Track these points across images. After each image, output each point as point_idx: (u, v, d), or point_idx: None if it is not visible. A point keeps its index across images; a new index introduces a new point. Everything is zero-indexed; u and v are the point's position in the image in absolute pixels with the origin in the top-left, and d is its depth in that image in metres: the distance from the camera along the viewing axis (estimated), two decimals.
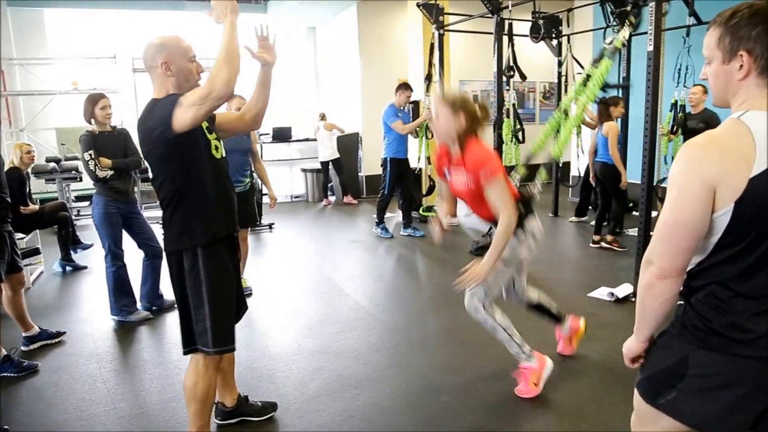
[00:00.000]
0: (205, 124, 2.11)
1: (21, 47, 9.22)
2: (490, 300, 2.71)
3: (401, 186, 6.53)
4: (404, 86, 6.22)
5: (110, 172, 3.78)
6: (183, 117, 1.91)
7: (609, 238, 5.70)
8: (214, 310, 2.10)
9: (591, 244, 5.80)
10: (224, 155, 2.23)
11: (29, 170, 5.10)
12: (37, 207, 5.21)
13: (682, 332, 1.36)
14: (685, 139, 5.15)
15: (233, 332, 2.24)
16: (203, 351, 2.15)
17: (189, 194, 2.07)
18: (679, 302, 1.38)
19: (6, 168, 4.05)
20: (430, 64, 6.61)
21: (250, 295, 4.55)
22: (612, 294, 4.19)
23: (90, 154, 3.72)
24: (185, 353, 2.22)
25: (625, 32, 3.86)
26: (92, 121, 3.79)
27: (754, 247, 1.24)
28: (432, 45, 6.55)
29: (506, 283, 2.83)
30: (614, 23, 5.47)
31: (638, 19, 4.52)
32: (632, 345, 1.48)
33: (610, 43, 4.26)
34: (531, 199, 2.83)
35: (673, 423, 1.38)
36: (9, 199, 3.17)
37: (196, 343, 2.16)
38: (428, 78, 6.65)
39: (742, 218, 1.21)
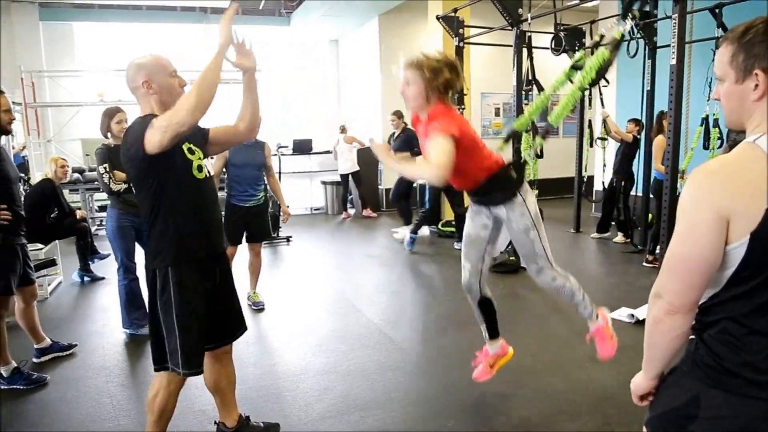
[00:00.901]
0: (186, 145, 2.09)
1: (50, 60, 9.46)
2: (554, 263, 2.61)
3: (435, 199, 6.74)
4: None
5: (124, 186, 3.79)
6: (152, 139, 1.92)
7: (650, 257, 5.48)
8: (183, 332, 2.07)
9: (644, 264, 5.51)
10: (209, 175, 2.20)
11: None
12: (84, 212, 5.43)
13: (693, 370, 1.27)
14: None
15: (202, 356, 2.19)
16: (174, 371, 2.13)
17: (163, 214, 2.06)
18: (690, 337, 1.28)
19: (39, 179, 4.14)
20: None
21: (262, 309, 4.52)
22: (632, 315, 4.04)
23: (105, 168, 3.74)
24: (156, 371, 2.20)
25: (627, 25, 3.71)
26: (108, 134, 3.81)
27: None
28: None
29: (482, 256, 2.70)
30: (638, 35, 5.38)
31: (641, 12, 4.35)
32: (641, 382, 1.39)
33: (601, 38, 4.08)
34: (523, 163, 2.75)
35: None
36: (23, 212, 3.18)
37: (168, 362, 2.14)
38: None
39: (759, 251, 1.12)
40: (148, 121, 1.96)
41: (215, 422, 2.56)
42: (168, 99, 2.05)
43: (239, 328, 2.41)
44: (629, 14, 3.66)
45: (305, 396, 3.05)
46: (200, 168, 2.13)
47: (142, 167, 2.01)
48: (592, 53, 3.73)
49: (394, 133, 7.26)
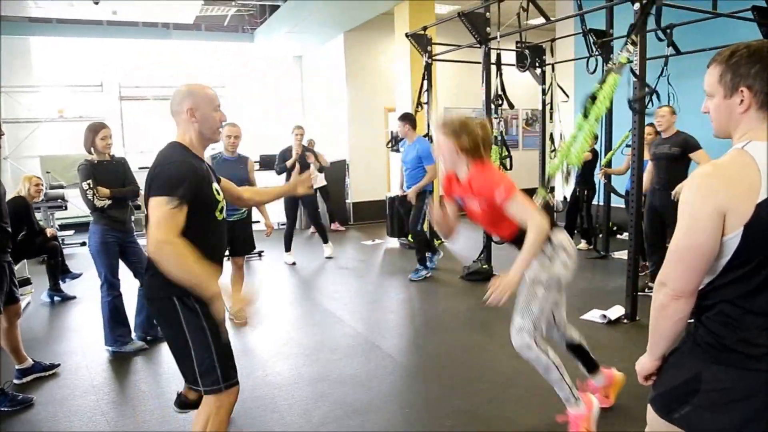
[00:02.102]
0: (215, 186, 2.14)
1: (6, 75, 9.18)
2: (541, 333, 2.48)
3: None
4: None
5: (108, 202, 3.77)
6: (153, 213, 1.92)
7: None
8: (217, 349, 2.05)
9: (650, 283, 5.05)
10: (225, 217, 2.23)
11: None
12: (55, 230, 5.32)
13: (694, 349, 1.43)
14: (658, 167, 4.74)
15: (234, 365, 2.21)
16: (216, 390, 2.07)
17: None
18: (689, 320, 1.45)
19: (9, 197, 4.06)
20: (420, 93, 6.73)
21: (245, 323, 4.53)
22: (604, 316, 4.26)
23: (89, 183, 3.72)
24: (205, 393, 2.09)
25: (630, 49, 4.03)
26: (92, 150, 3.79)
27: (761, 268, 1.32)
28: (424, 74, 6.69)
29: (548, 313, 2.54)
30: (596, 53, 5.70)
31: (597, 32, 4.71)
32: (645, 363, 1.55)
33: (614, 62, 4.42)
34: (555, 210, 2.70)
35: None
36: (9, 229, 3.14)
37: (208, 385, 2.06)
38: (418, 105, 6.75)
39: (751, 241, 1.29)
40: (170, 160, 2.00)
41: (177, 392, 2.72)
42: (206, 131, 2.11)
43: None
44: (629, 40, 3.99)
45: (302, 404, 3.11)
46: (222, 210, 2.17)
47: None
48: (604, 81, 4.04)
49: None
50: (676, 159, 4.52)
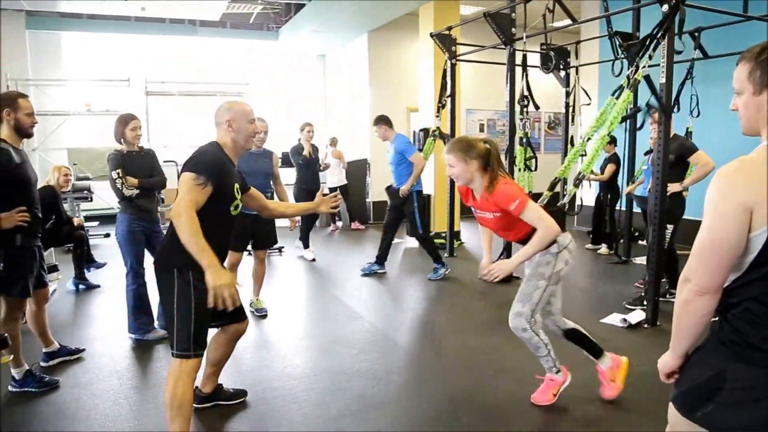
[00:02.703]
0: (236, 185, 2.52)
1: (37, 68, 9.41)
2: (536, 319, 2.80)
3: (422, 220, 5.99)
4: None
5: (136, 191, 3.85)
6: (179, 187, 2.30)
7: None
8: (197, 321, 2.41)
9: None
10: (237, 215, 2.59)
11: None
12: (81, 220, 5.45)
13: (718, 347, 1.42)
14: (654, 173, 4.54)
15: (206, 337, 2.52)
16: (185, 356, 2.39)
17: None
18: (713, 319, 1.44)
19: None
20: (442, 92, 6.74)
21: (265, 316, 4.59)
22: (625, 320, 4.23)
23: (118, 173, 3.80)
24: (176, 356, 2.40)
25: (644, 62, 4.11)
26: (122, 140, 3.87)
27: None
28: (444, 73, 6.71)
29: (544, 303, 2.83)
30: (622, 55, 5.67)
31: (624, 34, 4.76)
32: (668, 360, 1.54)
33: (617, 76, 4.47)
34: (563, 213, 3.00)
35: None
36: (40, 215, 3.22)
37: (183, 349, 2.39)
38: (441, 105, 6.77)
39: None
40: (209, 150, 2.42)
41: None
42: (241, 139, 2.52)
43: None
44: (646, 55, 4.04)
45: (320, 395, 3.14)
46: (236, 207, 2.54)
47: None
48: (618, 95, 4.15)
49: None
50: (672, 165, 4.38)
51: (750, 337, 1.36)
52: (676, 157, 4.42)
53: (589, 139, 4.41)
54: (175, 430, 2.37)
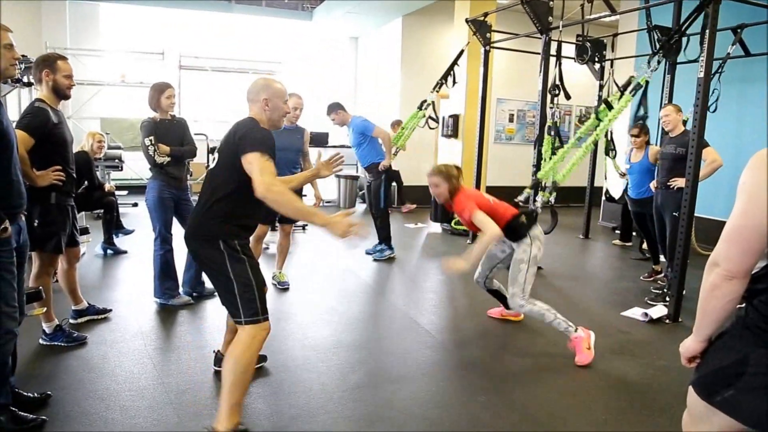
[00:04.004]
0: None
1: (75, 38, 9.57)
2: (527, 294, 3.39)
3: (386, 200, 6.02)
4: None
5: (168, 159, 3.92)
6: (248, 168, 2.26)
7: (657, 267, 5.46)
8: (258, 286, 2.42)
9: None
10: None
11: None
12: (113, 186, 5.73)
13: (743, 333, 1.41)
14: (662, 167, 4.68)
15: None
16: (255, 321, 2.36)
17: (234, 197, 2.37)
18: (739, 306, 1.42)
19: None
20: (448, 72, 6.93)
21: (287, 289, 4.66)
22: (646, 314, 4.19)
23: (150, 140, 3.87)
24: (242, 323, 2.36)
25: (654, 65, 4.16)
26: (156, 108, 3.94)
27: None
28: (459, 55, 6.94)
29: (531, 281, 3.43)
30: (659, 50, 5.57)
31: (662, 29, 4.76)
32: (690, 345, 1.53)
33: (653, 70, 4.41)
34: (534, 213, 3.65)
35: (727, 421, 1.41)
36: (75, 175, 3.31)
37: (251, 316, 2.36)
38: (440, 84, 6.96)
39: None
40: (255, 126, 2.39)
41: (214, 351, 3.08)
42: (275, 117, 2.52)
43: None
44: (656, 58, 3.99)
45: (340, 368, 3.19)
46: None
47: (238, 161, 2.29)
48: (622, 94, 4.18)
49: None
50: (681, 159, 4.32)
51: None
52: (685, 152, 4.33)
53: (579, 138, 4.50)
54: (235, 399, 2.30)
